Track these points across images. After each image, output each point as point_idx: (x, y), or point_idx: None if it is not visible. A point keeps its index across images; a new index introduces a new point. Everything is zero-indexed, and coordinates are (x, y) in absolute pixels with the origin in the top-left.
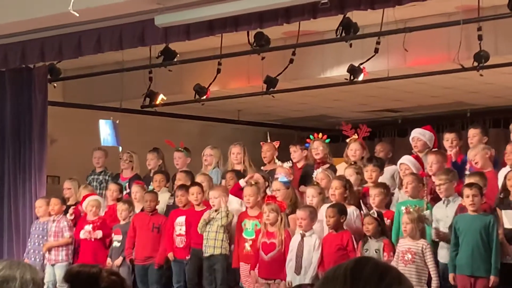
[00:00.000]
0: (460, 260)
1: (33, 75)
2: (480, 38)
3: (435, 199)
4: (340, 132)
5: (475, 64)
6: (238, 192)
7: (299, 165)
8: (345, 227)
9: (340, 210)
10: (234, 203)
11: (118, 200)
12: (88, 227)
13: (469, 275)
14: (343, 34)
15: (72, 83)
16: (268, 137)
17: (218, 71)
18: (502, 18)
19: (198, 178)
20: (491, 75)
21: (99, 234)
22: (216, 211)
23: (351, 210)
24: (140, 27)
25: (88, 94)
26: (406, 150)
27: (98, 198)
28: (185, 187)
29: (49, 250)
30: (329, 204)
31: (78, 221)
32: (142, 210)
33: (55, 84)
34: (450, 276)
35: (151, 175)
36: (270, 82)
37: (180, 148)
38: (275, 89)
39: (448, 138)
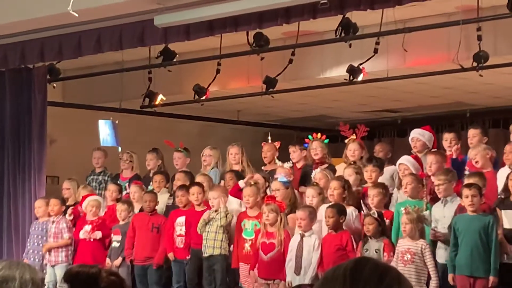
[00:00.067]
0: (459, 260)
1: (32, 75)
2: (479, 38)
3: (435, 199)
4: (340, 132)
5: (475, 64)
6: (237, 193)
7: (299, 165)
8: (344, 227)
9: (339, 211)
10: (233, 204)
11: (118, 200)
12: (87, 228)
13: (468, 276)
14: (343, 34)
15: (71, 83)
16: (269, 138)
17: (218, 71)
18: (502, 18)
19: (198, 179)
20: (491, 75)
21: (98, 234)
22: (215, 211)
23: (350, 210)
24: (140, 27)
25: (88, 94)
26: (406, 150)
27: (98, 198)
28: (185, 187)
29: (49, 251)
30: (328, 205)
31: (77, 221)
32: (140, 210)
33: (55, 84)
34: (450, 276)
35: (151, 175)
36: (270, 82)
37: (179, 149)
38: (275, 89)
39: (447, 138)
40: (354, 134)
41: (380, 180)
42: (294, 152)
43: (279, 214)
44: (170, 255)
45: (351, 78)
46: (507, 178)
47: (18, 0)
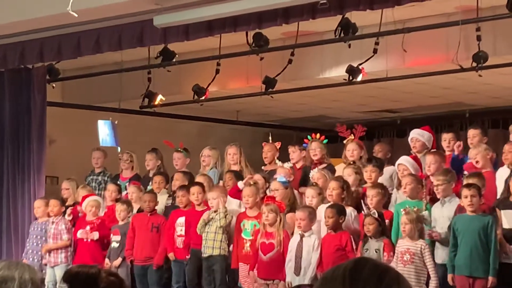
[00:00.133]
0: (458, 260)
1: (32, 76)
2: (479, 38)
3: (434, 199)
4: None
5: (474, 64)
6: (236, 193)
7: (298, 165)
8: (343, 228)
9: (339, 211)
10: (232, 204)
11: (117, 200)
12: (86, 228)
13: (467, 276)
14: (342, 35)
15: (71, 83)
16: (270, 138)
17: (217, 71)
18: (501, 18)
19: (198, 179)
20: (490, 75)
21: (95, 235)
22: (215, 212)
23: (349, 211)
24: (139, 28)
25: (87, 94)
26: (405, 150)
27: (97, 198)
28: (186, 187)
29: (48, 252)
30: (326, 205)
31: (76, 222)
32: (139, 210)
33: (54, 85)
34: (449, 276)
35: (150, 175)
36: (269, 82)
37: (179, 149)
38: (274, 89)
39: (446, 139)
40: (352, 135)
41: (380, 180)
42: (294, 153)
43: (278, 215)
44: (171, 255)
45: (351, 78)
46: (510, 178)
47: (18, 0)
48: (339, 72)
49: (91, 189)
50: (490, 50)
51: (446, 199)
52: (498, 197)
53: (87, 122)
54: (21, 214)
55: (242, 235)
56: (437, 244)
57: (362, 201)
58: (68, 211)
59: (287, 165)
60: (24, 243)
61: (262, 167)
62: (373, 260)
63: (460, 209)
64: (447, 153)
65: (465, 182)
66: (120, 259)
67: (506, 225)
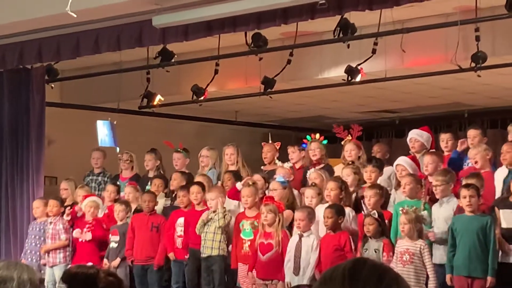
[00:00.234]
0: (457, 261)
1: (31, 76)
2: (477, 39)
3: (433, 199)
4: (335, 134)
5: (473, 65)
6: (235, 195)
7: (298, 165)
8: (342, 228)
9: (338, 211)
10: (230, 205)
11: (116, 201)
12: (79, 229)
13: (466, 276)
14: (341, 35)
15: (69, 83)
16: (270, 138)
17: (216, 72)
18: (500, 19)
19: (198, 179)
20: (489, 76)
21: (88, 236)
22: (213, 212)
23: (347, 211)
24: (138, 28)
25: (86, 95)
26: (404, 151)
27: (95, 199)
28: (187, 188)
29: (47, 252)
30: (325, 205)
31: (75, 222)
32: (135, 211)
33: (53, 85)
34: (448, 277)
35: (149, 175)
36: (268, 83)
37: (179, 149)
38: (273, 89)
39: (444, 139)
40: (349, 135)
41: (378, 180)
42: (293, 153)
43: (277, 215)
44: (171, 255)
45: (349, 78)
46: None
47: (17, 1)
48: (338, 73)
49: (88, 189)
50: (489, 50)
51: (444, 199)
52: (496, 197)
53: (86, 122)
54: (19, 214)
55: (241, 235)
56: (434, 244)
57: (362, 201)
58: (67, 211)
59: (287, 165)
60: (22, 243)
61: (262, 167)
62: (372, 260)
63: (459, 210)
64: (446, 153)
65: (463, 182)
66: (118, 259)
67: (504, 224)
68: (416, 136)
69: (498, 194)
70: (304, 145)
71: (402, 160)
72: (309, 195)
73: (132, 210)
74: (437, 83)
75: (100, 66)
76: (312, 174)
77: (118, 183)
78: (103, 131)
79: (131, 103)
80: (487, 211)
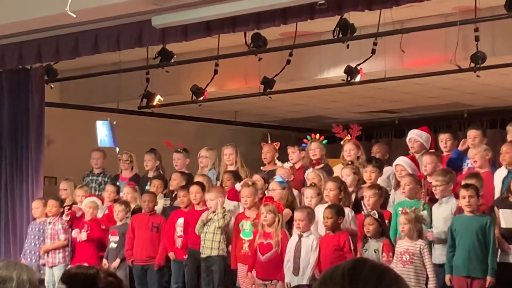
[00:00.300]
0: (456, 261)
1: (30, 76)
2: (477, 39)
3: (433, 199)
4: (335, 134)
5: (472, 65)
6: (235, 196)
7: (297, 166)
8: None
9: (338, 211)
10: (230, 206)
11: (115, 201)
12: (77, 229)
13: (465, 276)
14: (340, 35)
15: (69, 84)
16: (269, 138)
17: (215, 72)
18: (499, 19)
19: (198, 179)
20: (488, 76)
21: (83, 236)
22: (213, 212)
23: (347, 211)
24: (138, 28)
25: (85, 95)
26: (403, 151)
27: (94, 199)
28: (187, 188)
29: (46, 253)
30: (323, 205)
31: (74, 222)
32: (133, 211)
33: (52, 85)
34: (447, 277)
35: (149, 176)
36: (267, 83)
37: (179, 149)
38: (272, 90)
39: (443, 139)
40: (348, 135)
41: (378, 180)
42: (293, 153)
43: (277, 215)
44: (171, 254)
45: (349, 78)
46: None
47: (16, 1)
48: (337, 73)
49: (87, 189)
50: (488, 50)
51: (444, 199)
52: (496, 197)
53: (86, 122)
54: (19, 215)
55: (241, 235)
56: (433, 244)
57: (362, 201)
58: (66, 211)
59: (287, 165)
60: (22, 243)
61: (261, 168)
62: (372, 261)
63: (459, 210)
64: (445, 153)
65: (463, 182)
66: (118, 260)
67: (504, 224)
68: (416, 136)
69: (497, 194)
70: (304, 145)
71: (401, 160)
72: (308, 195)
73: (131, 210)
74: (436, 83)
75: (100, 66)
76: (310, 174)
77: (117, 183)
78: (102, 131)
79: (130, 103)
80: (487, 211)
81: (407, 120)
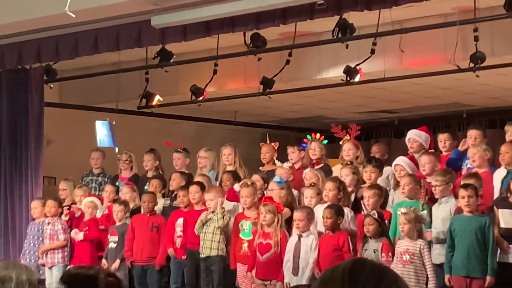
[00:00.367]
0: (455, 261)
1: (29, 76)
2: (476, 39)
3: (433, 199)
4: (334, 134)
5: (472, 65)
6: (234, 197)
7: (297, 166)
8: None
9: (337, 211)
10: (229, 206)
11: (115, 201)
12: (76, 229)
13: (464, 276)
14: (340, 35)
15: (68, 84)
16: (268, 139)
17: (215, 72)
18: (498, 19)
19: (197, 179)
20: (488, 76)
21: (80, 236)
22: (212, 212)
23: (346, 211)
24: (137, 28)
25: (85, 95)
26: (403, 151)
27: (93, 199)
28: (187, 188)
29: (45, 253)
30: (322, 205)
31: (73, 222)
32: (131, 211)
33: (52, 85)
34: (446, 277)
35: (148, 176)
36: (267, 83)
37: (179, 149)
38: (272, 90)
39: (441, 139)
40: (347, 135)
41: (378, 180)
42: (293, 153)
43: (276, 215)
44: (170, 251)
45: (348, 79)
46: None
47: (16, 1)
48: (336, 73)
49: (86, 189)
50: (487, 50)
51: (443, 199)
52: (495, 197)
53: (85, 122)
54: (18, 215)
55: (240, 235)
56: (432, 245)
57: (361, 201)
58: (65, 211)
59: (286, 165)
60: (21, 243)
61: (260, 168)
62: (371, 261)
63: (459, 210)
64: (444, 153)
65: (462, 182)
66: (118, 261)
67: (503, 224)
68: (415, 137)
69: (496, 194)
70: (304, 145)
71: (401, 160)
72: (308, 195)
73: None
74: (436, 83)
75: (99, 66)
76: (308, 174)
77: (117, 183)
78: (102, 131)
79: (130, 103)
80: (486, 211)
81: (407, 120)
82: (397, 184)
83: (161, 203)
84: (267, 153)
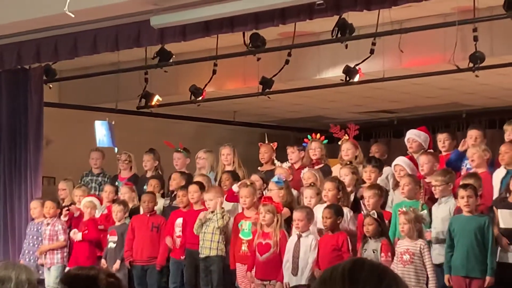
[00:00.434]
0: (455, 261)
1: (29, 76)
2: (475, 39)
3: (432, 199)
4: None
5: (471, 65)
6: (233, 197)
7: (297, 166)
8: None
9: (336, 211)
10: (228, 206)
11: (114, 201)
12: (75, 229)
13: (464, 276)
14: (339, 35)
15: (68, 84)
16: (266, 139)
17: (214, 72)
18: (498, 19)
19: (197, 179)
20: (487, 76)
21: (78, 236)
22: (212, 212)
23: (345, 211)
24: (136, 28)
25: (84, 95)
26: (402, 151)
27: (92, 199)
28: (186, 188)
29: (44, 253)
30: (321, 205)
31: (72, 222)
32: (130, 211)
33: (51, 85)
34: (446, 277)
35: (148, 176)
36: (266, 83)
37: (179, 149)
38: (271, 90)
39: (441, 139)
40: (346, 135)
41: (377, 181)
42: (293, 153)
43: (275, 215)
44: (168, 240)
45: (348, 79)
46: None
47: (15, 1)
48: (336, 73)
49: (86, 189)
50: (487, 50)
51: (443, 199)
52: (494, 197)
53: (84, 122)
54: (17, 215)
55: (240, 235)
56: (432, 245)
57: (361, 201)
58: (64, 212)
59: (286, 165)
60: (21, 243)
61: (259, 168)
62: (370, 261)
63: (458, 210)
64: (444, 153)
65: (461, 183)
66: (119, 261)
67: (502, 224)
68: (414, 137)
69: (496, 194)
70: (305, 145)
71: (400, 160)
72: (308, 195)
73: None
74: (435, 83)
75: (98, 66)
76: (306, 174)
77: (116, 183)
78: (101, 131)
79: (129, 103)
80: (485, 211)
81: (406, 120)
82: (396, 184)
83: (161, 203)
84: (266, 153)
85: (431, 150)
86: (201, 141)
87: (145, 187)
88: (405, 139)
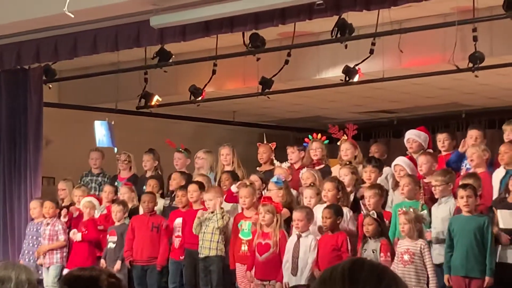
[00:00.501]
0: (454, 261)
1: (28, 76)
2: (475, 39)
3: (432, 199)
4: (331, 134)
5: (470, 65)
6: (232, 198)
7: (297, 166)
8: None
9: (336, 211)
10: (228, 206)
11: (114, 201)
12: (75, 229)
13: (463, 276)
14: (339, 35)
15: (67, 84)
16: (265, 139)
17: (214, 72)
18: (497, 19)
19: (197, 179)
20: (486, 76)
21: (78, 236)
22: (212, 212)
23: (345, 211)
24: (136, 28)
25: (84, 95)
26: (402, 151)
27: (92, 199)
28: (185, 188)
29: (44, 253)
30: (321, 205)
31: (72, 222)
32: (130, 211)
33: (51, 85)
34: (445, 277)
35: (147, 176)
36: (266, 83)
37: (180, 149)
38: (271, 90)
39: (440, 139)
40: (344, 135)
41: (377, 181)
42: (293, 153)
43: (275, 215)
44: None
45: (347, 79)
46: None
47: (15, 1)
48: (335, 73)
49: (86, 189)
50: (486, 50)
51: (443, 199)
52: (494, 198)
53: (84, 122)
54: (17, 215)
55: (240, 235)
56: (432, 245)
57: (361, 201)
58: (63, 212)
59: (285, 165)
60: (20, 243)
61: (257, 168)
62: (370, 261)
63: (458, 210)
64: (443, 153)
65: (460, 183)
66: (119, 262)
67: (502, 225)
68: (414, 137)
69: (495, 194)
70: (305, 145)
71: (400, 161)
72: (307, 195)
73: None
74: (435, 83)
75: (98, 66)
76: (305, 174)
77: (116, 183)
78: (101, 131)
79: (129, 104)
80: (485, 211)
81: (406, 120)
82: (396, 184)
83: (161, 203)
84: (264, 153)
85: (431, 150)
86: (201, 141)
87: (144, 187)
88: (405, 140)
